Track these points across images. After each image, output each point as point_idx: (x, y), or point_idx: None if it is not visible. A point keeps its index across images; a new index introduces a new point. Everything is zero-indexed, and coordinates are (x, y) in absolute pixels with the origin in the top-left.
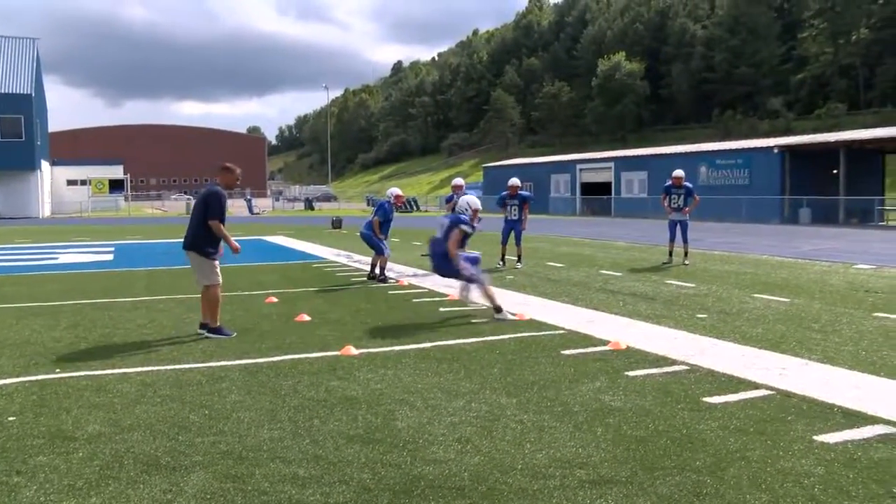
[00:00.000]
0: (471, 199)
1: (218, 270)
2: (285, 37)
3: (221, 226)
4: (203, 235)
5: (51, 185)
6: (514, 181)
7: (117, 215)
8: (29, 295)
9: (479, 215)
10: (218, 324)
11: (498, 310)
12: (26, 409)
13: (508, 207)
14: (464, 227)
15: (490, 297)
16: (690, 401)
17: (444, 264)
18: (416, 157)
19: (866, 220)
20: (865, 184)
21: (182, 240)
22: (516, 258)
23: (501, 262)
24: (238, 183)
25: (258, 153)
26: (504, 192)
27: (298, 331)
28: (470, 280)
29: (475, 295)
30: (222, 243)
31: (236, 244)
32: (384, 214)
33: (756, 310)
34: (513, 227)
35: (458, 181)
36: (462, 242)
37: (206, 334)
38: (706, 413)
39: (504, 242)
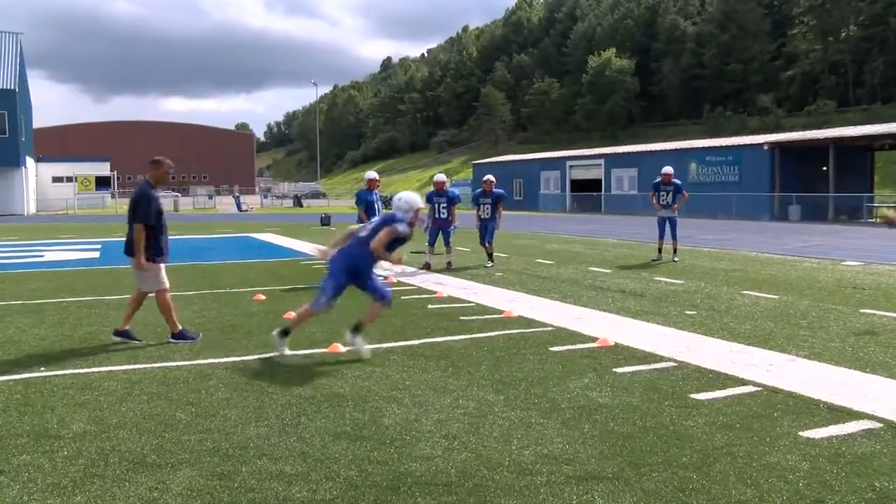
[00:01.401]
0: (411, 198)
1: (163, 274)
2: (273, 32)
3: (143, 232)
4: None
5: (36, 182)
6: (489, 177)
7: (104, 212)
8: (13, 293)
9: (422, 216)
10: (179, 327)
11: (285, 332)
12: (10, 407)
13: (482, 206)
14: (398, 226)
15: (296, 320)
16: (678, 397)
17: (359, 263)
18: (405, 154)
19: (855, 216)
20: (854, 181)
21: (167, 243)
22: (487, 256)
23: (490, 262)
24: (170, 177)
25: (246, 150)
26: (478, 190)
27: None
28: (318, 297)
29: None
30: (168, 244)
31: (146, 263)
32: (363, 202)
33: (745, 306)
34: (486, 226)
35: (440, 177)
36: (392, 245)
37: (170, 340)
38: (693, 409)
39: (484, 241)
